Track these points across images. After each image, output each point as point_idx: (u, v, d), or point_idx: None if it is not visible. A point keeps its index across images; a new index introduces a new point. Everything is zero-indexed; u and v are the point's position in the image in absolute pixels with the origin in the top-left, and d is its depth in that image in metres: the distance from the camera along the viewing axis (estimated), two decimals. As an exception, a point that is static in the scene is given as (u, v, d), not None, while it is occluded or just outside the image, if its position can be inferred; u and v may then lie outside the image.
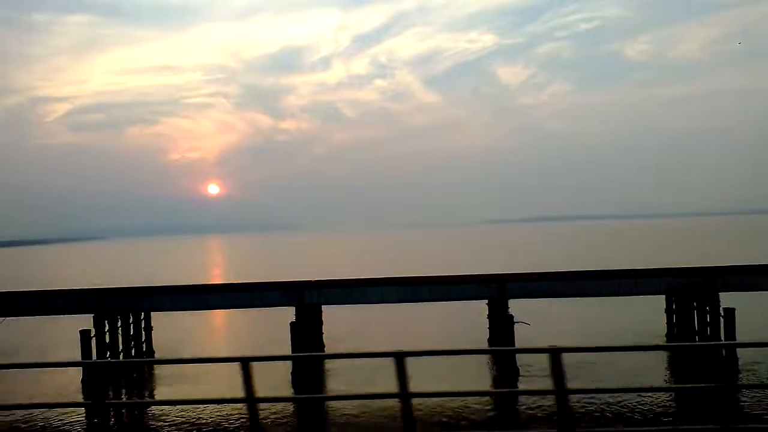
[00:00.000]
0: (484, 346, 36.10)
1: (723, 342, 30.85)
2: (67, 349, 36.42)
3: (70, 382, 31.09)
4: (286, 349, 31.45)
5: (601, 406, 23.91)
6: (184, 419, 25.05)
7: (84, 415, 25.54)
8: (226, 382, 28.93)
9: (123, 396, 30.88)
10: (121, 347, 34.51)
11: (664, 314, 36.90)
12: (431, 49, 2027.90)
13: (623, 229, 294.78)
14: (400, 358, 8.33)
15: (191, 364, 33.65)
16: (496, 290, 32.88)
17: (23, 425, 24.85)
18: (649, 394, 25.48)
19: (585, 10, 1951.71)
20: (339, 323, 40.31)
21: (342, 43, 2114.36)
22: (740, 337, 30.18)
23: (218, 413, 25.38)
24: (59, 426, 24.70)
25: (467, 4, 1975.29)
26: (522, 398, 26.23)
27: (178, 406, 26.11)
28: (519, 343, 30.98)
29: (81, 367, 30.90)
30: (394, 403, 8.80)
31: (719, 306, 31.87)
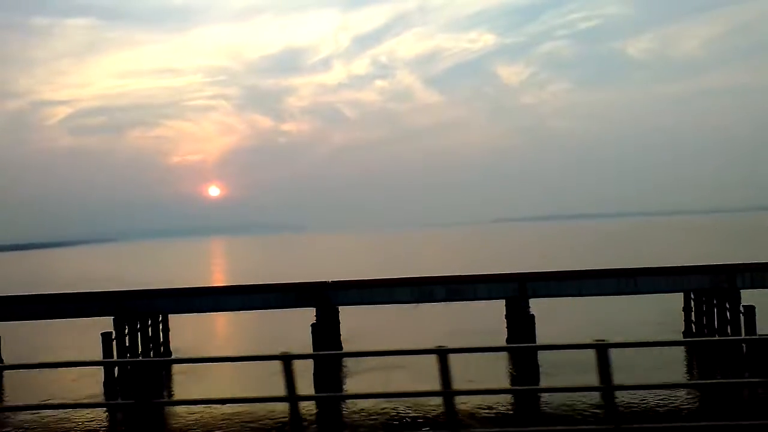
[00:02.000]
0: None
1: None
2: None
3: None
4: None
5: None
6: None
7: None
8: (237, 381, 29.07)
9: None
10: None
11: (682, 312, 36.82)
12: (432, 49, 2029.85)
13: (629, 227, 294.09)
14: (443, 354, 8.27)
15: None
16: (516, 289, 32.92)
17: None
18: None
19: (585, 9, 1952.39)
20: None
21: (342, 44, 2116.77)
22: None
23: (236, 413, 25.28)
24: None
25: (467, 4, 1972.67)
26: (545, 396, 26.34)
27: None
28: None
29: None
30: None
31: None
